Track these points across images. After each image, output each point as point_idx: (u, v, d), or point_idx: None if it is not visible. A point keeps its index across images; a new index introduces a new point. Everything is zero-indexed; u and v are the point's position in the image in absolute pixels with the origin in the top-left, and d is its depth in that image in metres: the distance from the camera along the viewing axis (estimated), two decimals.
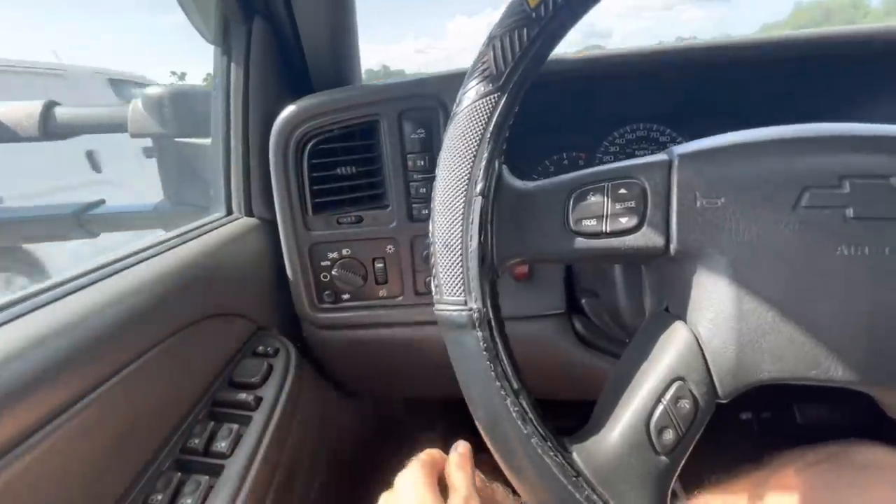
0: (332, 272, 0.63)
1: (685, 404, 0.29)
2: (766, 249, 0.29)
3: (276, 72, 0.65)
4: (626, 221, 0.31)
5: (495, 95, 0.29)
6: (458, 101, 0.31)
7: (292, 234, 0.62)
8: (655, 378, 0.30)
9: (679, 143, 0.72)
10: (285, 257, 0.63)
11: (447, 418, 1.01)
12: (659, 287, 0.36)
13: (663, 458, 0.29)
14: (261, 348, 0.59)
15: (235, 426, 0.48)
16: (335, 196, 0.61)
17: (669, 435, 0.29)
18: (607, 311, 0.63)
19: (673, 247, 0.30)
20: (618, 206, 0.31)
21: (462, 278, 0.29)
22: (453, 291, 0.30)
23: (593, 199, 0.31)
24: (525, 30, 0.29)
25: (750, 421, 0.90)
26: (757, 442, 0.88)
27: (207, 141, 0.68)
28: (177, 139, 0.76)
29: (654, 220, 0.31)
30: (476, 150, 0.29)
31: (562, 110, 0.72)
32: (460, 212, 0.30)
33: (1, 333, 0.35)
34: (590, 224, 0.31)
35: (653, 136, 0.73)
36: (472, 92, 0.30)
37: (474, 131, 0.30)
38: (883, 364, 0.28)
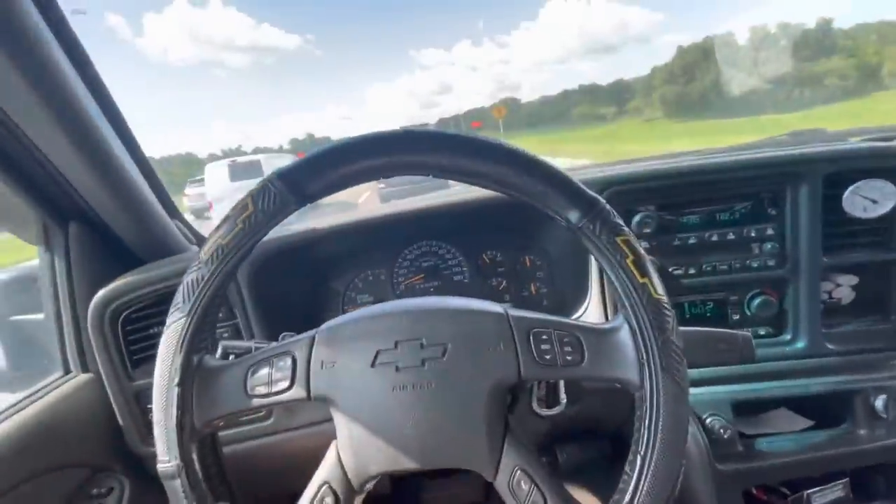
0: None
1: (329, 500, 0.46)
2: (361, 392, 0.47)
3: (97, 257, 0.80)
4: (282, 384, 0.45)
5: (183, 320, 0.46)
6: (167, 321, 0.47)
7: (116, 386, 0.76)
8: (312, 485, 0.47)
9: (452, 254, 0.98)
10: (114, 406, 0.77)
11: None
12: None
13: None
14: (95, 490, 0.71)
15: None
16: (153, 351, 0.76)
17: None
18: None
19: (312, 396, 0.47)
20: (278, 373, 0.45)
21: (167, 443, 0.44)
22: (163, 452, 0.45)
23: (263, 371, 0.46)
24: (200, 273, 0.46)
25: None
26: None
27: (41, 316, 0.81)
28: (11, 318, 0.87)
29: (300, 379, 0.45)
30: (173, 356, 0.44)
31: (360, 240, 0.94)
32: (164, 396, 0.44)
33: None
34: (260, 389, 0.45)
35: (433, 250, 0.98)
36: (170, 317, 0.47)
37: (172, 345, 0.46)
38: (430, 454, 0.44)
